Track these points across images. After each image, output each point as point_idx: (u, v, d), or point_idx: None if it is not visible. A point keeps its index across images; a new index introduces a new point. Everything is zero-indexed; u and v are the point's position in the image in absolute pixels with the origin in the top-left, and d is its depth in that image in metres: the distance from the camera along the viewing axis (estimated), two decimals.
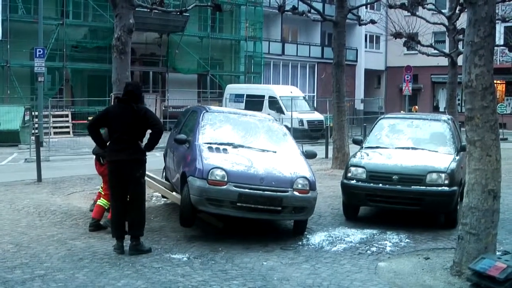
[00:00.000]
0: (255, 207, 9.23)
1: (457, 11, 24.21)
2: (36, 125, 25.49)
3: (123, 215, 8.71)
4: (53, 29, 31.19)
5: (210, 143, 10.17)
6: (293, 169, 9.81)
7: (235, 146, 10.23)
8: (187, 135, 10.72)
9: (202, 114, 11.02)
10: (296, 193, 9.48)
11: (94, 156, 10.39)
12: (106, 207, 10.08)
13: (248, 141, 10.56)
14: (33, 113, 26.86)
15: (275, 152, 10.42)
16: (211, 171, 9.23)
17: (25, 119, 26.08)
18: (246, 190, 9.19)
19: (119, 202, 8.74)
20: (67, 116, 30.94)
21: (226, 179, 9.20)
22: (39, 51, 25.55)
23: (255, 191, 9.22)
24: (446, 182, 10.50)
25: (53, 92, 32.24)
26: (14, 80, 30.48)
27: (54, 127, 29.15)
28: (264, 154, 10.19)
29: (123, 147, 8.57)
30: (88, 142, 23.89)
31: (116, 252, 8.58)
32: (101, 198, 10.21)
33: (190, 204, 9.26)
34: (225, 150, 10.00)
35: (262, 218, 9.78)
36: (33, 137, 19.70)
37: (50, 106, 28.27)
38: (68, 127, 30.34)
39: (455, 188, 10.59)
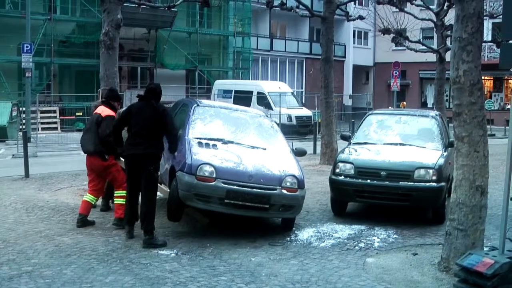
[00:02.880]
0: (243, 204, 9.21)
1: (445, 7, 24.30)
2: (24, 121, 25.34)
3: (136, 203, 9.20)
4: (41, 24, 31.00)
5: (200, 138, 10.11)
6: (282, 167, 9.78)
7: (225, 142, 10.17)
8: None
9: (193, 108, 10.91)
10: (284, 191, 9.46)
11: (81, 152, 10.32)
12: (93, 203, 10.11)
13: (238, 137, 10.50)
14: (20, 108, 26.66)
15: (265, 149, 10.38)
16: (200, 167, 9.20)
17: (13, 114, 25.91)
18: (235, 187, 9.17)
19: (133, 195, 9.16)
20: (54, 111, 30.71)
21: (214, 176, 9.17)
22: (27, 46, 25.36)
23: (244, 188, 9.20)
24: (434, 178, 10.53)
25: (40, 88, 32.10)
26: (1, 75, 30.27)
27: (42, 123, 28.99)
28: (254, 151, 10.15)
29: (139, 141, 8.89)
30: (76, 138, 23.91)
31: (126, 237, 9.06)
32: (87, 194, 10.16)
33: (178, 199, 9.24)
34: (214, 146, 9.95)
35: (249, 215, 9.76)
36: (20, 133, 19.58)
37: (38, 101, 28.15)
38: (56, 122, 30.15)
39: (443, 184, 10.62)
